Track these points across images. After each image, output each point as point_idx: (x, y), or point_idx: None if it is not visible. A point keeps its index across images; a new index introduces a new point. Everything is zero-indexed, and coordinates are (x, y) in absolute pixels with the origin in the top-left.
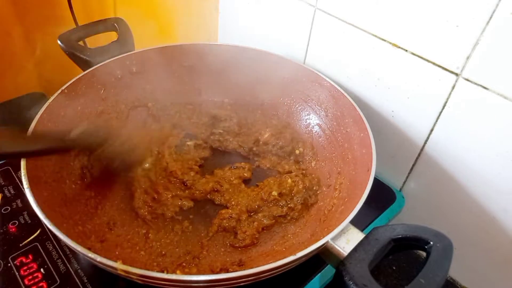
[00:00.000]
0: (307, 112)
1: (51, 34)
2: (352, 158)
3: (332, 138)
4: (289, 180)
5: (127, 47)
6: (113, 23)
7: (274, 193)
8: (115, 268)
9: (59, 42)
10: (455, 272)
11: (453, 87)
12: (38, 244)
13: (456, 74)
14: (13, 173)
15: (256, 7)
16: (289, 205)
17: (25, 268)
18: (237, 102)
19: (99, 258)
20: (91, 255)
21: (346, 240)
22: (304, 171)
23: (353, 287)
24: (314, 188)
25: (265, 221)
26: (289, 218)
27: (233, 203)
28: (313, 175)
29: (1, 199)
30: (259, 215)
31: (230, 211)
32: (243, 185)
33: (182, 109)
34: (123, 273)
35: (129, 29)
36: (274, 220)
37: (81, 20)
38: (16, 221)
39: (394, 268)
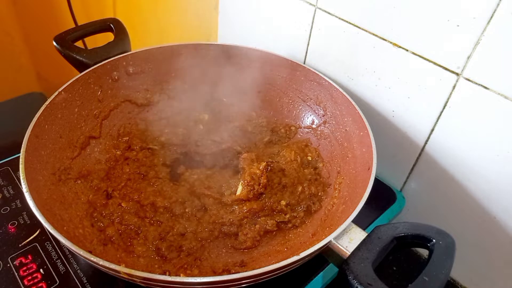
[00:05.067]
0: (306, 111)
1: (51, 34)
2: (352, 157)
3: (331, 137)
4: (299, 188)
5: (124, 48)
6: (109, 23)
7: (283, 202)
8: (118, 272)
9: (54, 43)
10: (455, 272)
11: (453, 87)
12: (37, 244)
13: (457, 74)
14: (13, 173)
15: (256, 7)
16: (292, 213)
17: (24, 268)
18: (236, 102)
19: (101, 262)
20: (93, 258)
21: (349, 239)
22: (318, 176)
23: (358, 286)
24: (319, 194)
25: (267, 226)
26: (290, 225)
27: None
28: (321, 179)
29: (0, 199)
30: (261, 218)
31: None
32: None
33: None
34: (126, 276)
35: (125, 29)
36: (276, 228)
37: (81, 20)
38: (16, 222)
39: (394, 268)
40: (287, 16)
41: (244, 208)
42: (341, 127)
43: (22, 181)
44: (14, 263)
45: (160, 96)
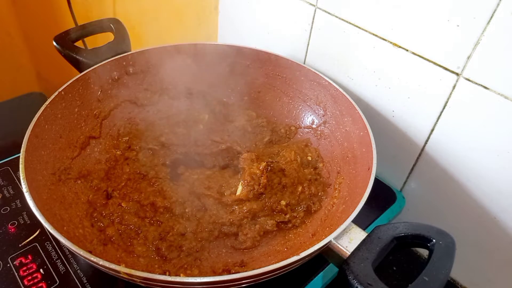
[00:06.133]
0: (306, 111)
1: (51, 34)
2: (352, 157)
3: (331, 137)
4: (299, 188)
5: (124, 48)
6: (109, 23)
7: (283, 202)
8: (118, 272)
9: (54, 43)
10: (455, 272)
11: (453, 87)
12: (37, 244)
13: (457, 74)
14: (13, 174)
15: (256, 7)
16: (292, 213)
17: (24, 268)
18: (236, 102)
19: (101, 262)
20: (93, 258)
21: (349, 239)
22: (318, 176)
23: (358, 286)
24: (319, 194)
25: (267, 227)
26: (290, 225)
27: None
28: (321, 179)
29: (0, 199)
30: (261, 218)
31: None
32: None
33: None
34: (126, 276)
35: (125, 29)
36: (276, 228)
37: (81, 20)
38: (16, 222)
39: (394, 268)
40: (287, 16)
41: (244, 208)
42: (341, 127)
43: (22, 181)
44: (14, 263)
45: (160, 96)
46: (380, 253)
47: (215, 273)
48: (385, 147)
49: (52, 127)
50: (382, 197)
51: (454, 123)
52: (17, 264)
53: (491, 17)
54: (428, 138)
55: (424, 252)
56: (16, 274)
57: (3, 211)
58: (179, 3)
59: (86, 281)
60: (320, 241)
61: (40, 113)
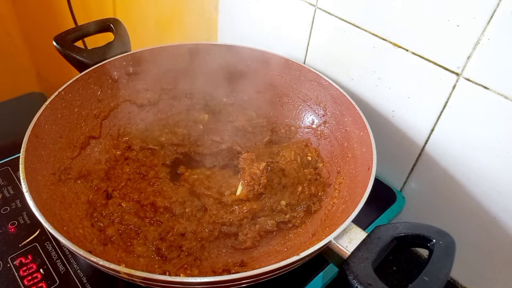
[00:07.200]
0: (306, 111)
1: (51, 34)
2: (352, 157)
3: (331, 137)
4: (299, 188)
5: (124, 48)
6: (109, 23)
7: (283, 202)
8: (118, 272)
9: (54, 43)
10: (455, 272)
11: (453, 87)
12: (37, 244)
13: (457, 74)
14: (13, 173)
15: (256, 7)
16: (292, 213)
17: (24, 268)
18: (236, 102)
19: (101, 262)
20: (93, 258)
21: (349, 239)
22: (318, 176)
23: (358, 286)
24: (319, 194)
25: (267, 227)
26: (290, 225)
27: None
28: (321, 179)
29: (0, 199)
30: (261, 218)
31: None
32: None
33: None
34: (126, 276)
35: (126, 29)
36: (276, 228)
37: (81, 20)
38: (16, 222)
39: (394, 268)
40: (287, 16)
41: (244, 208)
42: (341, 127)
43: (22, 181)
44: (14, 263)
45: (160, 96)
46: (380, 253)
47: (215, 273)
48: (385, 147)
49: (52, 127)
50: (382, 197)
51: (454, 123)
52: (17, 264)
53: (491, 17)
54: (428, 138)
55: (424, 252)
56: (16, 274)
57: (3, 211)
58: (179, 3)
59: (86, 281)
60: (320, 241)
61: (40, 113)
